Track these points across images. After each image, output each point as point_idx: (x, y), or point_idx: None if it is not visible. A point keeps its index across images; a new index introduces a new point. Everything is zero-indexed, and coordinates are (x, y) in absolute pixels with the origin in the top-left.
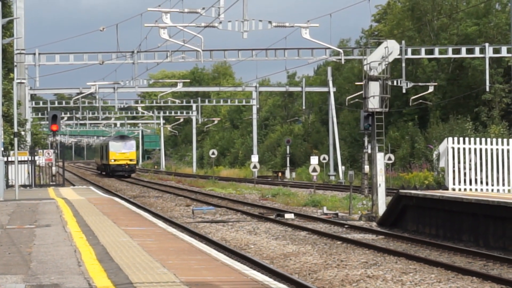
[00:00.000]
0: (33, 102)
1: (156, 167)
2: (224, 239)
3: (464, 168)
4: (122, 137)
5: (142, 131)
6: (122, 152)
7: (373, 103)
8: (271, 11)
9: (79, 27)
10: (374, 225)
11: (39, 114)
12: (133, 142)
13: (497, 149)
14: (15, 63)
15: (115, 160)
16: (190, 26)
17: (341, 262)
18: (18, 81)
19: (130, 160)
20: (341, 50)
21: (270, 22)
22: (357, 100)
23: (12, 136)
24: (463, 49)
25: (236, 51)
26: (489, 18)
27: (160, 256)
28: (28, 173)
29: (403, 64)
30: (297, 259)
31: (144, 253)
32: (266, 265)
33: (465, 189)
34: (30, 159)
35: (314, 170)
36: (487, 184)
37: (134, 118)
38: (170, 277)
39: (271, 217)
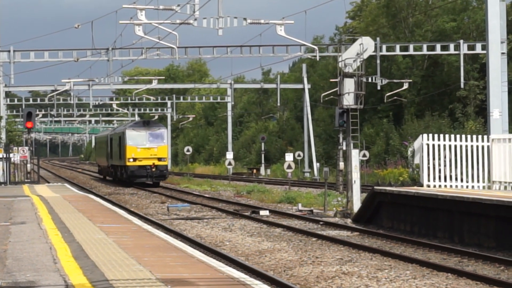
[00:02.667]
0: (8, 100)
1: None
2: (200, 236)
3: (439, 165)
4: (146, 123)
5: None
6: (146, 147)
7: (348, 100)
8: (246, 8)
9: (55, 25)
10: (349, 221)
11: (14, 111)
12: (164, 131)
13: (472, 146)
14: None
15: (135, 159)
16: (165, 23)
17: (316, 258)
18: None
19: (159, 159)
20: (316, 47)
21: (245, 19)
22: (332, 97)
23: None
24: (438, 46)
25: (211, 48)
26: (466, 14)
27: (136, 253)
28: (3, 170)
29: (378, 61)
30: (272, 256)
31: (119, 250)
32: (242, 262)
33: (440, 186)
34: (4, 156)
35: (289, 167)
36: (462, 180)
37: (108, 115)
38: (146, 274)
39: (246, 214)
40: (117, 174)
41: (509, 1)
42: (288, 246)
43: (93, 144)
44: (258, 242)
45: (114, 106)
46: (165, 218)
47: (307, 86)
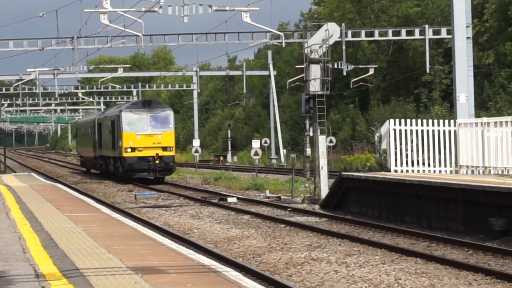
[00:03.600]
0: None
1: None
2: (168, 224)
3: (406, 150)
4: (147, 103)
5: (82, 117)
6: (148, 133)
7: (314, 86)
8: None
9: (19, 14)
10: (317, 207)
11: None
12: (169, 113)
13: (438, 130)
14: None
15: (133, 149)
16: (131, 11)
17: (285, 245)
18: None
19: (164, 148)
20: (281, 34)
21: (210, 6)
22: (298, 83)
23: None
24: (403, 31)
25: (176, 36)
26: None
27: (105, 242)
28: None
29: (344, 47)
30: (241, 243)
31: (89, 239)
32: (211, 249)
33: (407, 171)
34: None
35: (256, 153)
36: (429, 165)
37: (74, 104)
38: (116, 263)
39: (214, 201)
40: (109, 167)
41: None
42: (256, 233)
43: (71, 131)
44: (227, 229)
45: (80, 94)
46: (133, 207)
47: (273, 73)
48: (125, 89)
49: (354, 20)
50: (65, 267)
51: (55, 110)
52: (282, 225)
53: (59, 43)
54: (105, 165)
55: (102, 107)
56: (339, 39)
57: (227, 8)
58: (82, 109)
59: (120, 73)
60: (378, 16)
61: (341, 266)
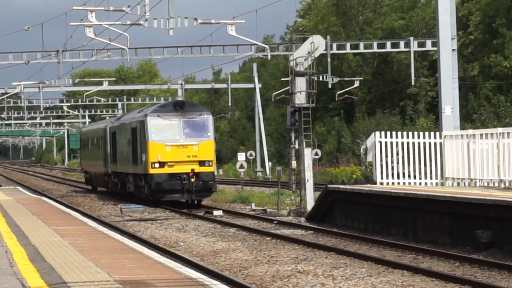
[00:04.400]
0: None
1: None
2: (154, 237)
3: (392, 162)
4: (179, 106)
5: (67, 130)
6: (180, 143)
7: (300, 99)
8: (197, 8)
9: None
10: (303, 220)
11: None
12: (208, 118)
13: (424, 143)
14: None
15: (162, 164)
16: (116, 24)
17: (272, 258)
18: None
19: (202, 162)
20: (266, 46)
21: (195, 19)
22: (283, 96)
23: None
24: (388, 44)
25: (161, 49)
26: (415, 12)
27: (92, 255)
28: None
29: (329, 59)
30: (227, 256)
31: (76, 252)
32: (198, 263)
33: (393, 183)
34: None
35: (241, 166)
36: (415, 177)
37: (59, 117)
38: (104, 276)
39: (200, 214)
40: (127, 187)
41: None
42: (242, 246)
43: (56, 143)
44: (213, 242)
45: (65, 108)
46: (119, 220)
47: (258, 86)
48: (110, 102)
49: (339, 32)
50: (52, 281)
51: (40, 124)
52: (268, 238)
53: (45, 56)
54: (121, 184)
55: (88, 120)
56: (324, 52)
57: (213, 21)
58: (67, 122)
59: (105, 86)
60: (363, 28)
61: (327, 279)
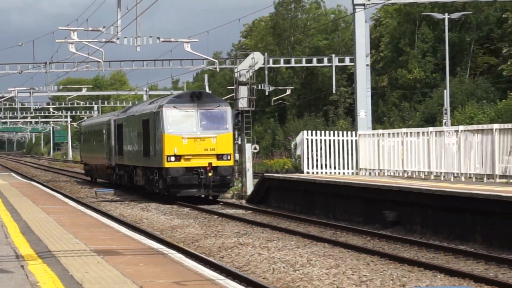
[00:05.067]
0: None
1: (64, 157)
2: (122, 215)
3: (317, 155)
4: (196, 96)
5: (52, 128)
6: (198, 136)
7: (242, 103)
8: (160, 28)
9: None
10: (244, 202)
11: None
12: (226, 110)
13: (343, 140)
14: None
15: (178, 157)
16: (93, 41)
17: (218, 232)
18: None
19: (219, 156)
20: (216, 61)
21: (158, 38)
22: (229, 101)
23: None
24: (314, 59)
25: (130, 62)
26: (336, 34)
27: (72, 229)
28: None
29: (266, 72)
30: (182, 231)
31: (59, 227)
32: (158, 236)
33: (317, 173)
34: None
35: None
36: (335, 168)
37: (46, 117)
38: (82, 246)
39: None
40: (135, 180)
41: (371, 23)
42: (194, 223)
43: (54, 136)
44: (170, 220)
45: (51, 109)
46: (94, 201)
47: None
48: (88, 105)
49: (275, 50)
50: (40, 249)
51: (31, 122)
52: (216, 216)
53: (35, 67)
54: (127, 177)
55: (69, 120)
56: (263, 66)
57: (172, 39)
58: (53, 121)
59: (84, 92)
60: (294, 47)
61: (263, 250)
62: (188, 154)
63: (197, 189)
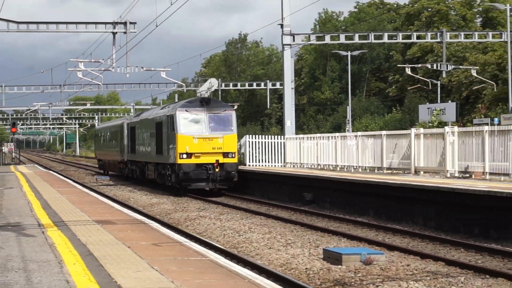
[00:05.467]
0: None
1: (73, 153)
2: (115, 195)
3: (256, 153)
4: (205, 101)
5: (65, 132)
6: (207, 136)
7: None
8: (144, 60)
9: (30, 69)
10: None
11: (4, 122)
12: (231, 114)
13: (275, 142)
14: None
15: (189, 155)
16: (95, 70)
17: (184, 208)
18: None
19: (225, 154)
20: (183, 84)
21: (142, 67)
22: None
23: None
24: (254, 84)
25: (122, 85)
26: (270, 66)
27: (79, 205)
28: None
29: (219, 92)
30: (158, 207)
31: (69, 203)
32: (141, 210)
33: (256, 165)
34: None
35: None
36: (269, 162)
37: (60, 124)
38: (86, 218)
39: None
40: (146, 174)
41: (295, 57)
42: (168, 201)
43: (66, 138)
44: (150, 199)
45: (64, 118)
46: (95, 185)
47: None
48: (91, 115)
49: (226, 77)
50: (56, 220)
51: (49, 128)
52: (183, 197)
53: (52, 88)
54: (139, 171)
55: (77, 126)
56: (217, 88)
57: (152, 68)
58: (65, 127)
59: (88, 106)
60: (240, 74)
61: (217, 221)
62: (198, 152)
63: (206, 183)
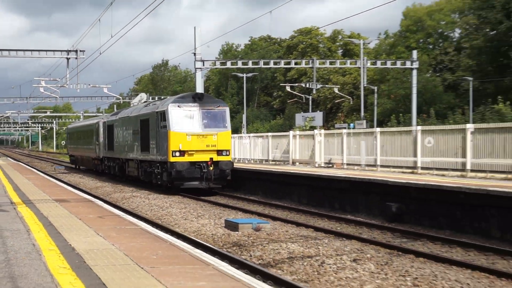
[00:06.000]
0: None
1: (37, 149)
2: (69, 180)
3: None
4: (198, 97)
5: (30, 133)
6: (200, 133)
7: None
8: (91, 78)
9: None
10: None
11: None
12: (225, 110)
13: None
14: None
15: (182, 152)
16: (53, 86)
17: (121, 190)
18: None
19: (220, 152)
20: (120, 97)
21: (89, 84)
22: None
23: None
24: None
25: (73, 97)
26: (186, 84)
27: (42, 188)
28: None
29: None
30: (102, 189)
31: (34, 187)
32: (89, 191)
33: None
34: None
35: None
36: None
37: (27, 127)
38: (47, 197)
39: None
40: (127, 171)
41: (205, 78)
42: (109, 185)
43: (31, 137)
44: (95, 183)
45: (30, 123)
46: (54, 173)
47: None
48: (50, 121)
49: (153, 92)
50: (24, 199)
51: (18, 130)
52: (120, 182)
53: (21, 99)
54: (118, 167)
55: (40, 129)
56: (146, 101)
57: (97, 85)
58: (31, 129)
59: (48, 114)
60: (163, 90)
61: (146, 199)
62: (192, 150)
63: (199, 182)
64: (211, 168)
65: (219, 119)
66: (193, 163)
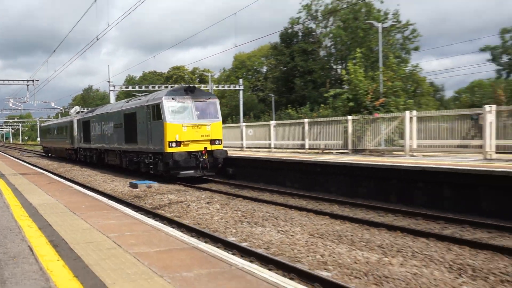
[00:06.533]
0: None
1: (9, 142)
2: (30, 162)
3: None
4: (190, 90)
5: (4, 132)
6: (195, 124)
7: None
8: (43, 97)
9: None
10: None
11: None
12: (216, 101)
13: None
14: None
15: (178, 143)
16: (19, 102)
17: (64, 166)
18: None
19: (213, 141)
20: (62, 109)
21: (43, 101)
22: None
23: None
24: None
25: (34, 109)
26: (105, 100)
27: (11, 166)
28: None
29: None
30: (51, 166)
31: (6, 165)
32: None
33: None
34: None
35: None
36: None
37: (2, 128)
38: (14, 172)
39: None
40: (107, 160)
41: (116, 96)
42: (55, 163)
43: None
44: (47, 162)
45: (3, 125)
46: (20, 157)
47: None
48: (17, 125)
49: (83, 105)
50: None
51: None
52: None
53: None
54: (96, 157)
55: (11, 129)
56: (79, 111)
57: (48, 101)
58: (5, 130)
59: (15, 120)
60: (90, 104)
61: (79, 171)
62: (187, 140)
63: (195, 171)
64: (205, 157)
65: (211, 110)
66: (189, 153)
